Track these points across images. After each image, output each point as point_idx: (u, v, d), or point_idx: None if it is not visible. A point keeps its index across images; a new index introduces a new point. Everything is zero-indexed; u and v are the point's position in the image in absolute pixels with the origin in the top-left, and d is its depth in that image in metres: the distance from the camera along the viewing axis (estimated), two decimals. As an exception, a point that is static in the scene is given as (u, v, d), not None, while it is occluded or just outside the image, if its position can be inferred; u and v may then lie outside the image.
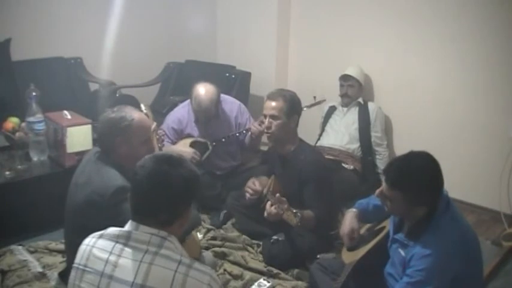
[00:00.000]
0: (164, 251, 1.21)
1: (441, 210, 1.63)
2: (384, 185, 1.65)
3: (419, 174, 1.59)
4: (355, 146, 3.36)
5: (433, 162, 1.62)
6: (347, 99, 3.46)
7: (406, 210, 1.65)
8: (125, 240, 1.24)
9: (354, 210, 2.06)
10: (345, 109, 3.49)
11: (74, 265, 1.29)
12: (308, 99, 3.09)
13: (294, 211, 2.09)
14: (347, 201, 2.94)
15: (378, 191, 1.71)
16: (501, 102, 2.99)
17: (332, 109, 3.57)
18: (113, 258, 1.22)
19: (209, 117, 2.97)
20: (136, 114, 1.86)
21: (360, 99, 3.46)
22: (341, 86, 3.48)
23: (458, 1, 3.07)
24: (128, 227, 1.27)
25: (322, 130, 3.56)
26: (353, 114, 3.45)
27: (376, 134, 3.39)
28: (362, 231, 2.09)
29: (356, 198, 2.20)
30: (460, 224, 1.65)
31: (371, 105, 3.44)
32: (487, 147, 3.07)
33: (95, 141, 2.76)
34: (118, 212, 1.64)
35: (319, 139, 3.54)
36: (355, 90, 3.43)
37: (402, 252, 1.68)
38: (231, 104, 3.12)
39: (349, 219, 2.02)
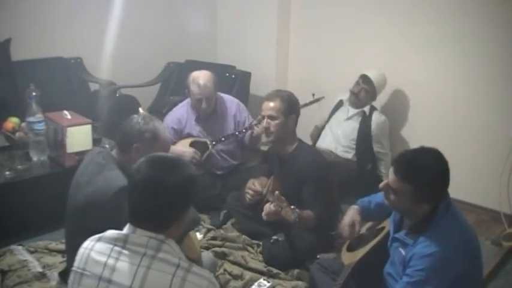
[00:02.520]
0: (162, 255, 1.20)
1: (442, 210, 1.63)
2: (391, 177, 1.63)
3: (430, 169, 1.58)
4: (350, 154, 3.29)
5: (444, 160, 1.62)
6: (355, 100, 3.31)
7: (409, 206, 1.63)
8: (123, 243, 1.23)
9: (356, 206, 2.06)
10: (350, 112, 3.34)
11: (73, 268, 1.28)
12: (308, 99, 3.09)
13: (292, 207, 2.12)
14: (346, 190, 2.94)
15: (382, 183, 1.69)
16: (502, 102, 2.99)
17: (339, 105, 3.44)
18: (111, 261, 1.21)
19: (209, 99, 2.94)
20: (162, 130, 1.90)
21: (366, 109, 3.31)
22: (356, 83, 3.30)
23: (460, 0, 3.07)
24: (125, 230, 1.26)
25: (326, 122, 3.47)
26: (354, 124, 3.32)
27: (379, 149, 3.30)
28: (362, 230, 2.09)
29: (354, 188, 2.20)
30: (460, 224, 1.65)
31: (375, 117, 3.28)
32: (487, 147, 3.07)
33: (95, 141, 2.78)
34: (119, 212, 1.63)
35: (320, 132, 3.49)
36: (367, 96, 3.28)
37: (402, 251, 1.68)
38: (229, 103, 3.13)
39: (350, 213, 2.03)
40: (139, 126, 1.84)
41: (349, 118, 3.35)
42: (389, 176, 1.65)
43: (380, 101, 3.54)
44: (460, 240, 1.60)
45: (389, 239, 1.80)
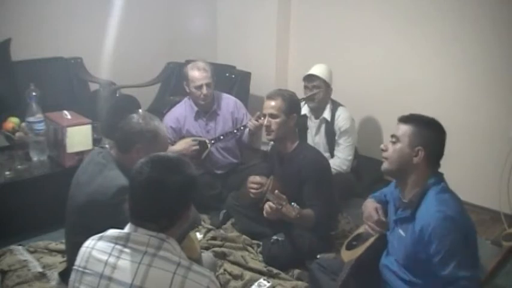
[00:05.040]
0: (163, 253, 1.21)
1: (435, 181, 1.69)
2: (398, 127, 1.77)
3: (430, 119, 1.80)
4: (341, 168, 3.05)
5: (443, 127, 1.82)
6: (313, 104, 3.10)
7: (406, 156, 1.71)
8: (124, 241, 1.23)
9: (371, 199, 2.04)
10: (316, 124, 3.16)
11: (74, 267, 1.29)
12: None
13: (293, 204, 2.13)
14: (344, 200, 2.95)
15: (382, 145, 1.80)
16: (501, 102, 2.99)
17: (304, 119, 3.15)
18: (112, 260, 1.22)
19: (209, 85, 2.95)
20: (162, 129, 1.90)
21: (327, 114, 3.09)
22: (305, 87, 3.10)
23: (459, 1, 3.07)
24: (127, 229, 1.27)
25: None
26: (321, 136, 3.15)
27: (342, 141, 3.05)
28: (360, 230, 2.09)
29: (353, 196, 2.19)
30: (456, 205, 1.67)
31: (338, 119, 3.05)
32: (487, 148, 3.07)
33: (95, 141, 2.78)
34: (120, 211, 1.64)
35: None
36: (321, 93, 3.06)
37: (402, 232, 1.71)
38: (227, 100, 3.15)
39: (369, 203, 2.01)
40: (141, 126, 1.84)
41: (316, 134, 3.19)
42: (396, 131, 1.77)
43: (379, 101, 3.54)
44: (461, 212, 1.63)
45: (391, 226, 1.82)
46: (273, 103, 2.45)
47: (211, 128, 3.06)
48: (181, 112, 3.07)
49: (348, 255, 1.94)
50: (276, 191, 2.17)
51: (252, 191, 2.54)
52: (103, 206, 1.71)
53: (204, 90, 2.93)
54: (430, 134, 1.75)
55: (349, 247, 2.01)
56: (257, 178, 2.56)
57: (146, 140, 1.83)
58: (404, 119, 1.80)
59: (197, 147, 2.93)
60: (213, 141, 3.00)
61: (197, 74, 2.93)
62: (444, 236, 1.56)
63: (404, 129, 1.76)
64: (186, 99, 3.11)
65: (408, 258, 1.69)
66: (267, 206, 2.19)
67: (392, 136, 1.78)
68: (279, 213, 2.16)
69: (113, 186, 1.73)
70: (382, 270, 1.82)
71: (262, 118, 2.57)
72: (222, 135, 3.02)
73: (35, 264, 2.34)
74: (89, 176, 1.84)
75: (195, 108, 3.05)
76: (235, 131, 3.03)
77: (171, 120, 3.06)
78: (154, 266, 1.19)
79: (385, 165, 1.78)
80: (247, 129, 2.98)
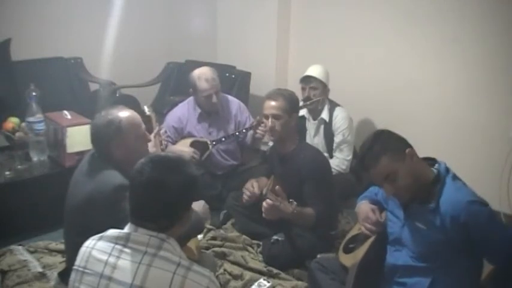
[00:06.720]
0: (163, 253, 1.21)
1: (445, 168, 1.71)
2: (373, 176, 1.70)
3: (382, 133, 1.76)
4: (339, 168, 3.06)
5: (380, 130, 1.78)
6: (312, 107, 3.10)
7: (411, 172, 1.66)
8: (124, 241, 1.23)
9: (364, 201, 2.03)
10: (314, 126, 3.18)
11: (74, 267, 1.29)
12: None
13: (290, 200, 2.14)
14: (344, 200, 2.94)
15: (385, 191, 1.73)
16: (501, 102, 2.99)
17: (302, 120, 3.15)
18: (112, 259, 1.22)
19: (218, 93, 2.95)
20: (123, 114, 1.85)
21: (325, 115, 3.11)
22: (302, 89, 3.13)
23: (459, 1, 3.07)
24: (127, 229, 1.27)
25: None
26: (320, 137, 3.15)
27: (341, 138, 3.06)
28: (354, 232, 2.08)
29: (353, 196, 2.19)
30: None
31: (336, 119, 3.07)
32: (487, 148, 3.07)
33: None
34: (118, 210, 1.63)
35: None
36: (318, 94, 3.07)
37: (420, 225, 1.68)
38: (230, 102, 3.14)
39: (363, 205, 2.00)
40: (101, 126, 1.82)
41: (315, 135, 3.20)
42: (375, 179, 1.71)
43: (379, 101, 3.54)
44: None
45: (401, 228, 1.77)
46: (274, 103, 2.42)
47: (214, 130, 3.05)
48: (184, 112, 3.07)
49: (349, 259, 1.92)
50: (277, 186, 2.17)
51: (245, 196, 2.55)
52: (102, 205, 1.71)
53: (214, 99, 2.94)
54: (396, 137, 1.72)
55: (347, 250, 1.99)
56: (255, 187, 2.53)
57: (114, 134, 1.80)
58: (375, 158, 1.67)
59: (197, 157, 2.91)
60: (214, 143, 3.00)
61: (206, 86, 2.90)
62: (486, 219, 1.60)
63: (383, 166, 1.66)
64: (189, 99, 3.10)
65: (431, 246, 1.67)
66: (265, 203, 2.18)
67: (386, 177, 1.67)
68: (276, 210, 2.15)
69: (110, 185, 1.73)
70: (387, 269, 1.80)
71: (264, 121, 2.53)
72: (224, 137, 3.01)
73: (35, 264, 2.34)
74: (87, 176, 1.84)
75: (198, 110, 3.04)
76: (237, 133, 3.03)
77: (173, 119, 3.06)
78: (155, 266, 1.19)
79: (404, 199, 1.73)
80: (251, 131, 2.97)
